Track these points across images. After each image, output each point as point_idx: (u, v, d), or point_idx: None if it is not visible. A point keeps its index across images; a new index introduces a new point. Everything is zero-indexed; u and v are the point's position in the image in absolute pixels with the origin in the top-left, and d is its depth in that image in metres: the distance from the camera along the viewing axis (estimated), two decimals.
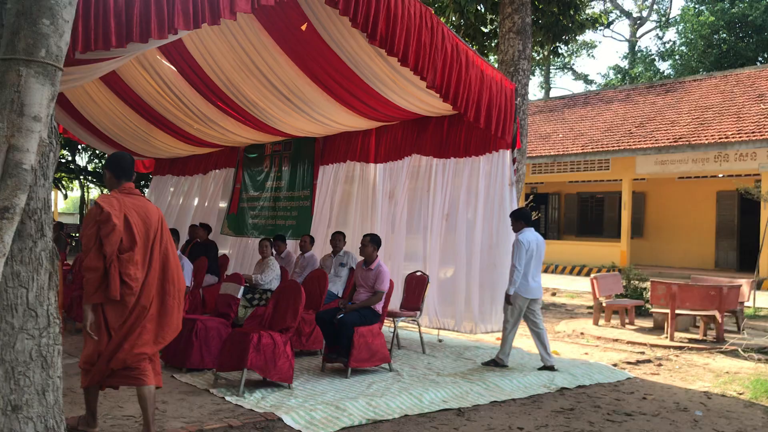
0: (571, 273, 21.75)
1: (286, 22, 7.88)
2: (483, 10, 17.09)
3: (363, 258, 7.21)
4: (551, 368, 7.23)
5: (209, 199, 13.80)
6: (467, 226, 8.82)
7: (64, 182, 28.46)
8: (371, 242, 7.10)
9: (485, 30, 17.68)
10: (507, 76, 14.35)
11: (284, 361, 6.06)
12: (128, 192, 4.64)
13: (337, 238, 8.96)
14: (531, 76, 47.06)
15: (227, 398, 5.80)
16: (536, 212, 18.96)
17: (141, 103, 11.27)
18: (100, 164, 25.79)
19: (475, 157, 8.81)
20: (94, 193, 31.54)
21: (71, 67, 6.96)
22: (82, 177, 26.94)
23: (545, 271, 22.22)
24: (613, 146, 20.80)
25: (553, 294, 16.23)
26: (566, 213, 25.18)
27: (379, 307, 7.01)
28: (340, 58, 7.93)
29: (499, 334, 8.59)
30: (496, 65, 15.10)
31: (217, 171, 13.78)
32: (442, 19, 16.49)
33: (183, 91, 10.28)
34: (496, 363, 7.46)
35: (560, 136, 23.35)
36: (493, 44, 17.26)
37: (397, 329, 8.23)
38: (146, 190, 19.75)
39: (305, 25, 7.72)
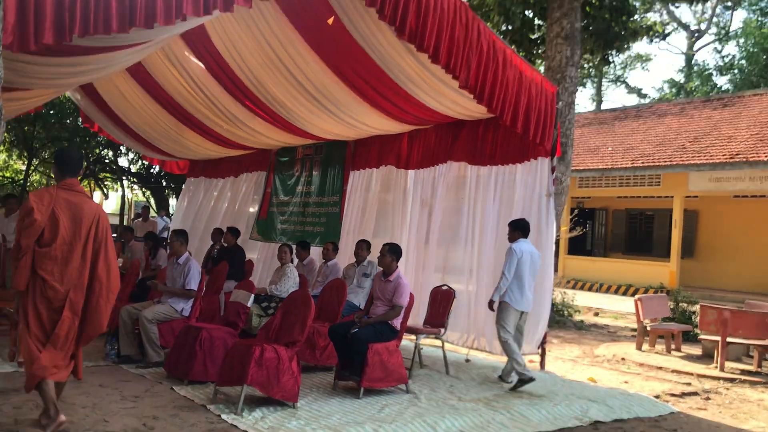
0: (616, 292, 20.80)
1: (312, 16, 7.43)
2: (531, 15, 16.47)
3: (381, 269, 6.68)
4: (524, 381, 6.84)
5: (239, 203, 13.45)
6: (502, 239, 8.22)
7: (107, 183, 28.61)
8: (390, 252, 6.57)
9: (533, 36, 17.03)
10: (553, 84, 13.73)
11: (288, 378, 5.55)
12: (68, 188, 4.72)
13: (361, 247, 8.45)
14: (582, 89, 46.08)
15: (223, 416, 5.32)
16: (580, 228, 18.16)
17: (171, 101, 10.99)
18: (143, 165, 25.77)
19: (512, 165, 8.21)
20: (138, 194, 31.73)
21: (85, 57, 6.66)
22: (124, 177, 27.01)
23: (589, 289, 21.34)
24: (665, 161, 19.83)
25: (596, 314, 15.42)
26: (614, 229, 24.21)
27: (397, 322, 6.46)
28: (368, 55, 7.43)
29: (533, 357, 7.99)
30: (543, 72, 14.45)
31: (248, 174, 13.42)
32: (488, 24, 16.00)
33: (211, 90, 9.94)
34: (522, 381, 6.87)
35: (609, 149, 22.44)
36: (540, 51, 16.59)
37: (420, 347, 7.67)
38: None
39: (332, 18, 7.25)
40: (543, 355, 7.96)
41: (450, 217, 8.85)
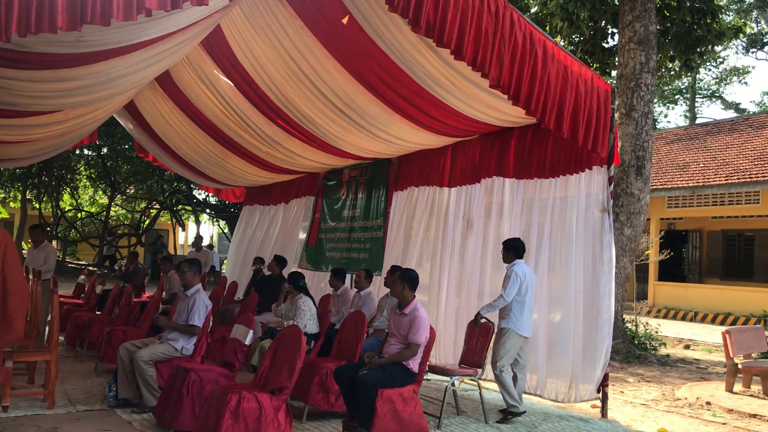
0: (713, 322, 18.84)
1: (327, 18, 6.67)
2: (602, 23, 15.22)
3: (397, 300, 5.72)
4: (513, 413, 6.44)
5: (290, 230, 12.78)
6: (556, 263, 7.12)
7: (184, 215, 28.84)
8: (402, 279, 5.59)
9: (606, 45, 15.75)
10: (627, 92, 12.46)
11: None
12: None
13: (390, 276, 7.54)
14: (673, 106, 43.65)
15: None
16: (667, 251, 16.53)
17: (208, 123, 10.52)
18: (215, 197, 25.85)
19: (563, 177, 7.11)
20: (211, 227, 31.87)
21: (68, 70, 6.09)
22: (199, 210, 27.14)
23: (683, 318, 19.48)
24: (764, 176, 17.92)
25: (686, 347, 13.79)
26: (709, 253, 22.15)
27: (414, 363, 5.46)
28: (387, 56, 6.58)
29: (594, 401, 6.78)
30: (616, 80, 13.19)
31: (298, 199, 12.75)
32: (558, 39, 14.86)
33: (243, 109, 9.37)
34: (511, 413, 6.47)
35: (701, 165, 20.60)
36: (616, 61, 15.29)
37: (454, 390, 6.62)
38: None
39: (346, 17, 6.46)
40: (605, 400, 6.72)
41: (495, 239, 7.79)
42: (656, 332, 12.92)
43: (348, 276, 9.30)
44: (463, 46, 5.71)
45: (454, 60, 5.91)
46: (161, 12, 4.94)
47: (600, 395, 6.68)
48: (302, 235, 12.38)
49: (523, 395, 7.22)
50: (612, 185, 6.78)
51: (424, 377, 6.29)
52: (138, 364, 6.13)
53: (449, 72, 6.37)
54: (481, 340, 6.61)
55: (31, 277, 8.49)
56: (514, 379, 6.58)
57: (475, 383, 6.61)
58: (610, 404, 7.12)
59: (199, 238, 16.43)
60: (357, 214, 10.70)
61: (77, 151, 25.64)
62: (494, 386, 7.04)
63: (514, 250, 6.77)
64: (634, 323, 13.54)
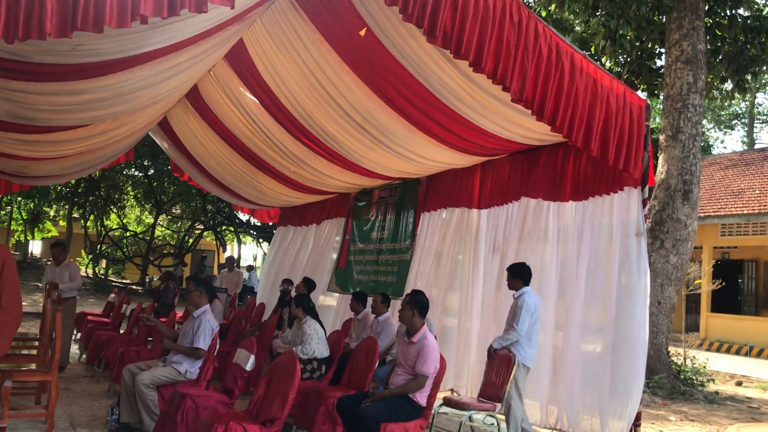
0: None
1: (344, 30, 6.40)
2: (650, 44, 14.67)
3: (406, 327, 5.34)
4: None
5: (320, 252, 12.49)
6: (589, 291, 6.64)
7: (226, 236, 28.95)
8: (411, 304, 5.21)
9: (654, 66, 15.18)
10: (673, 113, 11.89)
11: None
12: None
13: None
14: (730, 132, 42.27)
15: None
16: (719, 281, 15.70)
17: (238, 143, 10.40)
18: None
19: (595, 199, 6.65)
20: (253, 248, 31.88)
21: (76, 82, 5.96)
22: (241, 230, 27.20)
23: (737, 352, 18.48)
24: None
25: (738, 383, 12.96)
26: (766, 284, 21.07)
27: (421, 396, 5.07)
28: (405, 68, 6.26)
29: None
30: (662, 100, 12.62)
31: (329, 221, 12.49)
32: (604, 60, 14.37)
33: (268, 127, 9.19)
34: None
35: (757, 192, 19.65)
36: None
37: (471, 426, 6.18)
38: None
39: (364, 30, 6.18)
40: None
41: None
42: (704, 367, 12.16)
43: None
44: (483, 57, 5.34)
45: (473, 72, 5.55)
46: (159, 20, 4.76)
47: None
48: (333, 257, 12.10)
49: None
50: (647, 208, 6.29)
51: (441, 410, 5.90)
52: (139, 388, 5.89)
53: (469, 85, 6.02)
54: (502, 371, 6.16)
55: (45, 295, 8.38)
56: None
57: (494, 418, 6.16)
58: None
59: (230, 258, 16.27)
60: (385, 236, 10.37)
61: (124, 171, 26.12)
62: None
63: (521, 276, 6.41)
64: (682, 357, 12.80)
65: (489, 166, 8.19)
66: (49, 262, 10.10)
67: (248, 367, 5.45)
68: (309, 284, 9.43)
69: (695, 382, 11.41)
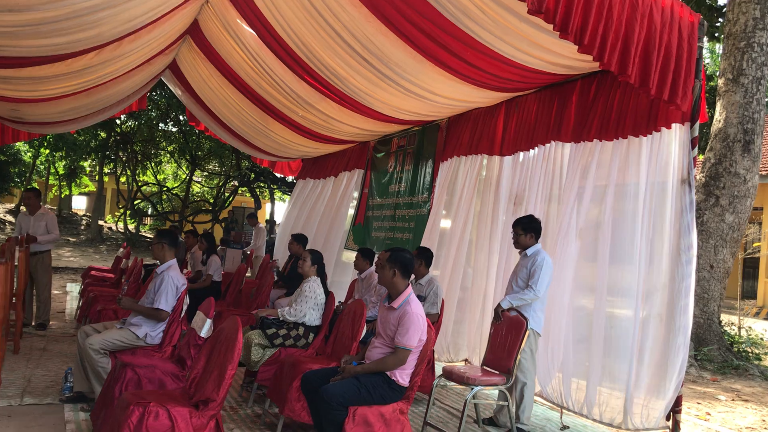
0: None
1: None
2: None
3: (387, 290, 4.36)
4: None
5: (337, 206, 11.56)
6: (613, 250, 5.54)
7: (260, 192, 28.22)
8: (391, 263, 4.23)
9: (715, 5, 13.66)
10: (735, 54, 10.49)
11: None
12: None
13: (415, 260, 6.22)
14: None
15: None
16: None
17: (243, 84, 9.54)
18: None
19: (631, 139, 5.51)
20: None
21: None
22: (274, 186, 26.45)
23: None
24: None
25: None
26: None
27: (401, 374, 4.11)
28: None
29: (663, 430, 5.20)
30: (723, 40, 11.20)
31: (347, 173, 11.52)
32: None
33: (269, 64, 8.24)
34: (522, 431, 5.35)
35: None
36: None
37: (474, 404, 5.25)
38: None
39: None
40: (675, 430, 5.10)
41: (548, 220, 6.28)
42: (762, 338, 10.93)
43: None
44: None
45: None
46: None
47: (670, 424, 5.08)
48: (350, 212, 11.17)
49: (567, 414, 5.77)
50: (696, 149, 5.13)
51: (442, 383, 4.98)
52: (87, 353, 5.09)
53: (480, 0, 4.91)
54: (510, 337, 5.18)
55: (18, 247, 7.68)
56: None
57: (506, 395, 5.19)
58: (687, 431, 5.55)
59: (252, 215, 15.51)
60: (402, 189, 9.37)
61: (159, 126, 25.57)
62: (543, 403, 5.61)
63: (535, 231, 5.57)
64: (735, 326, 11.58)
65: (514, 106, 7.09)
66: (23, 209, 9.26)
67: (204, 333, 4.58)
68: (301, 240, 8.53)
69: (750, 355, 10.22)
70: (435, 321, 6.25)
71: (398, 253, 4.28)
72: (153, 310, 5.31)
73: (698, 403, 7.47)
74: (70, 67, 7.69)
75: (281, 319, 5.78)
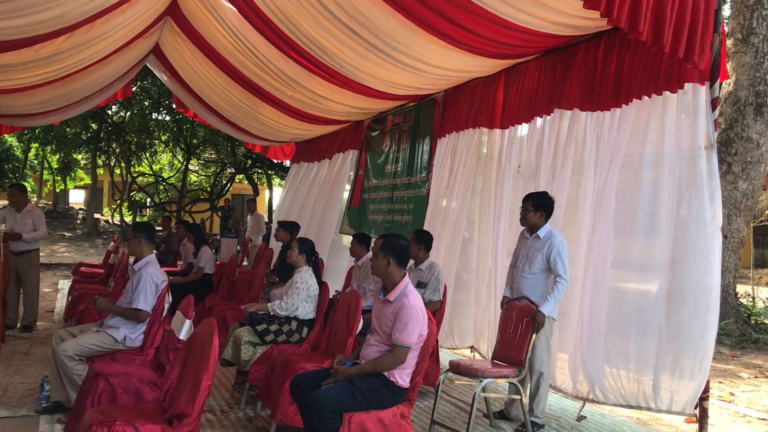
0: None
1: None
2: None
3: (381, 280, 3.92)
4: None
5: (332, 190, 11.10)
6: (630, 224, 5.09)
7: (258, 179, 27.70)
8: (384, 251, 3.80)
9: None
10: (744, 12, 9.99)
11: None
12: None
13: (413, 244, 5.81)
14: None
15: None
16: None
17: (229, 65, 9.03)
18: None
19: (646, 101, 5.04)
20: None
21: None
22: (272, 173, 25.94)
23: None
24: None
25: None
26: None
27: (401, 375, 3.69)
28: None
29: (689, 415, 4.79)
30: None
31: (341, 154, 11.06)
32: None
33: (253, 42, 7.75)
34: (536, 425, 4.99)
35: None
36: None
37: (485, 397, 4.85)
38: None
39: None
40: (702, 418, 4.66)
41: (555, 193, 5.82)
42: None
43: None
44: None
45: None
46: None
47: (696, 412, 4.66)
48: (346, 195, 10.73)
49: (588, 404, 5.37)
50: (717, 111, 4.67)
51: (449, 372, 4.61)
52: (60, 360, 4.69)
53: None
54: (521, 327, 4.77)
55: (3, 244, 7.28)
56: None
57: (518, 387, 4.78)
58: (713, 417, 5.15)
59: (251, 201, 15.08)
60: (400, 169, 8.91)
61: (153, 115, 25.05)
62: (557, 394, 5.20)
63: (546, 209, 5.13)
64: (751, 297, 11.16)
65: (514, 74, 6.61)
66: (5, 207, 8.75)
67: (183, 336, 4.16)
68: (289, 227, 8.08)
69: None
70: (437, 309, 5.84)
71: (392, 239, 3.84)
72: (131, 311, 4.90)
73: (720, 382, 7.07)
74: (39, 53, 7.24)
75: (272, 314, 5.36)
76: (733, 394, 6.55)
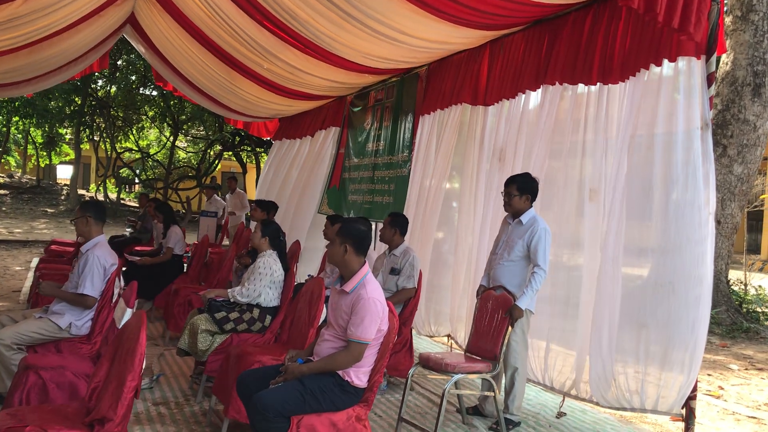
0: None
1: None
2: None
3: (337, 269, 3.55)
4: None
5: (313, 168, 10.69)
6: (621, 208, 4.72)
7: (244, 157, 27.20)
8: (342, 236, 3.43)
9: None
10: None
11: None
12: None
13: (388, 228, 5.47)
14: None
15: None
16: None
17: (202, 34, 8.60)
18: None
19: (638, 76, 4.65)
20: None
21: None
22: (260, 150, 25.47)
23: None
24: None
25: None
26: None
27: (357, 374, 3.34)
28: None
29: (675, 414, 4.47)
30: None
31: (323, 131, 10.65)
32: None
33: (225, 9, 7.32)
34: (512, 423, 4.69)
35: None
36: None
37: (456, 392, 4.53)
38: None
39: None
40: (689, 418, 4.33)
41: (542, 177, 5.44)
42: None
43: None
44: None
45: None
46: None
47: (683, 412, 4.33)
48: (325, 174, 10.33)
49: (567, 398, 5.05)
50: (713, 87, 4.29)
51: (421, 366, 4.28)
52: None
53: None
54: (497, 318, 4.43)
55: None
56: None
57: (493, 383, 4.45)
58: (700, 414, 4.85)
59: (232, 179, 14.63)
60: (381, 148, 8.52)
61: (140, 90, 24.49)
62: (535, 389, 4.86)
63: (532, 192, 4.79)
64: (743, 284, 10.87)
65: (498, 47, 6.21)
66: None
67: (120, 324, 3.79)
68: (265, 206, 7.71)
69: (761, 316, 9.52)
70: (412, 296, 5.49)
71: (350, 225, 3.46)
72: (77, 296, 4.53)
73: (709, 374, 6.76)
74: None
75: (232, 300, 5.00)
76: (722, 388, 6.24)
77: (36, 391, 3.64)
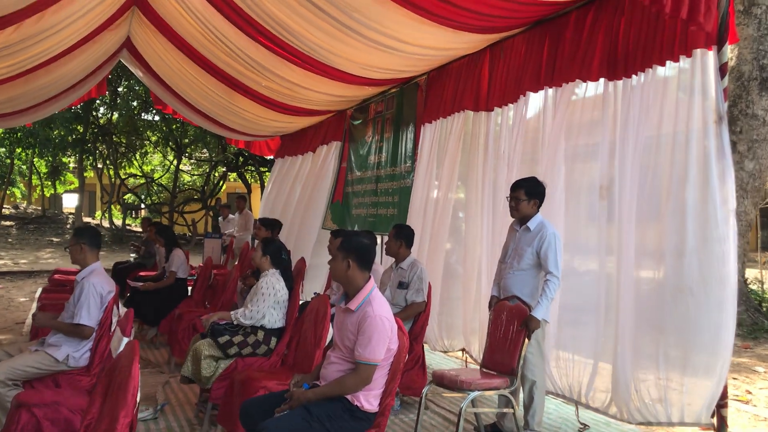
0: None
1: None
2: None
3: (341, 285, 3.37)
4: None
5: (315, 184, 10.54)
6: (632, 209, 4.52)
7: (249, 177, 27.13)
8: (344, 251, 3.24)
9: None
10: None
11: None
12: None
13: (393, 241, 5.29)
14: None
15: None
16: None
17: (198, 55, 8.54)
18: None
19: (648, 72, 4.46)
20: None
21: None
22: (264, 170, 25.37)
23: None
24: None
25: None
26: None
27: (367, 398, 3.14)
28: None
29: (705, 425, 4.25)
30: None
31: (324, 146, 10.50)
32: None
33: (220, 27, 7.26)
34: None
35: None
36: None
37: (473, 410, 4.31)
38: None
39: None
40: (721, 428, 4.11)
41: (551, 181, 5.25)
42: None
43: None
44: None
45: None
46: None
47: (714, 421, 4.12)
48: (329, 189, 10.18)
49: (591, 414, 4.84)
50: (726, 79, 4.10)
51: (435, 384, 4.08)
52: None
53: None
54: (512, 329, 4.23)
55: None
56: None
57: (511, 400, 4.24)
58: (731, 422, 4.60)
59: (241, 198, 14.48)
60: (383, 160, 8.36)
61: (142, 115, 24.45)
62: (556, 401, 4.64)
63: (539, 197, 4.59)
64: (760, 283, 10.62)
65: (499, 51, 6.05)
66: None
67: (117, 353, 3.61)
68: (270, 225, 7.54)
69: None
70: (422, 311, 5.30)
71: (352, 238, 3.28)
72: (73, 327, 4.35)
73: (734, 378, 6.53)
74: None
75: (235, 323, 4.82)
76: (749, 392, 6.01)
77: (29, 429, 3.46)
